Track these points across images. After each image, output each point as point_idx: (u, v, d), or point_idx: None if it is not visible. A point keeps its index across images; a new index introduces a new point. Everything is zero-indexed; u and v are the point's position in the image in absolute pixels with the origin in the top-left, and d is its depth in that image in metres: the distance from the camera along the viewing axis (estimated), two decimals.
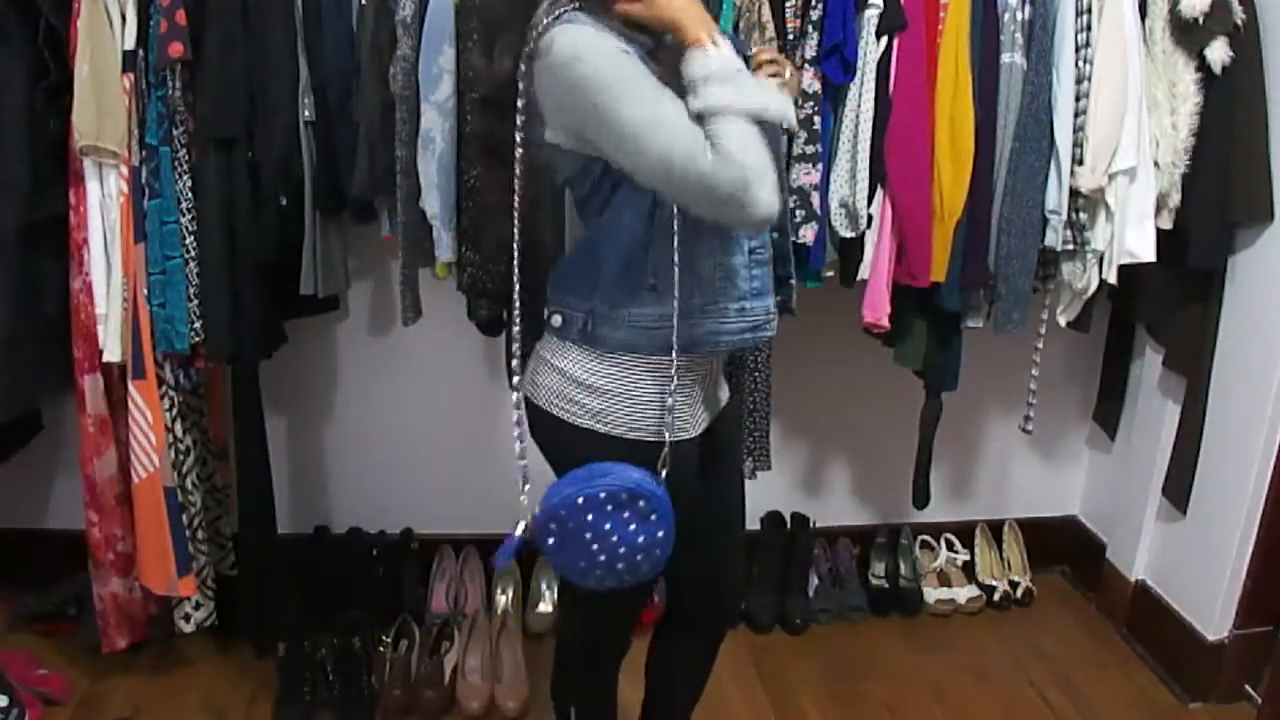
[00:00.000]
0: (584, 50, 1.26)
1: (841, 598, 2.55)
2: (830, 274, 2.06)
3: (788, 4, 1.87)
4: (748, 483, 2.20)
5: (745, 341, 1.45)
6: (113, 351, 1.85)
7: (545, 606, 2.44)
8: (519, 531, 1.36)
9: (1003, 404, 2.58)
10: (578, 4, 1.33)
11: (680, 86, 1.27)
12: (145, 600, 2.08)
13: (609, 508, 1.31)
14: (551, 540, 1.34)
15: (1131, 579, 2.49)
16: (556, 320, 1.43)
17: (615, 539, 1.31)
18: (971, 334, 2.13)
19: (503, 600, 2.43)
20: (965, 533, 2.69)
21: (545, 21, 1.32)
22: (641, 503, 1.31)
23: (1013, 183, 1.97)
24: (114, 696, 2.11)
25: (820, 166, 1.91)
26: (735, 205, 1.21)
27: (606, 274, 1.38)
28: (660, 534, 1.33)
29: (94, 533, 2.01)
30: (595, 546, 1.32)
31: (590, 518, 1.31)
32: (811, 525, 2.59)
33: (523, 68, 1.36)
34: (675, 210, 1.31)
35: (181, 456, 2.00)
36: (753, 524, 2.59)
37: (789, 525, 2.60)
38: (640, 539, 1.32)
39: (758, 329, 1.44)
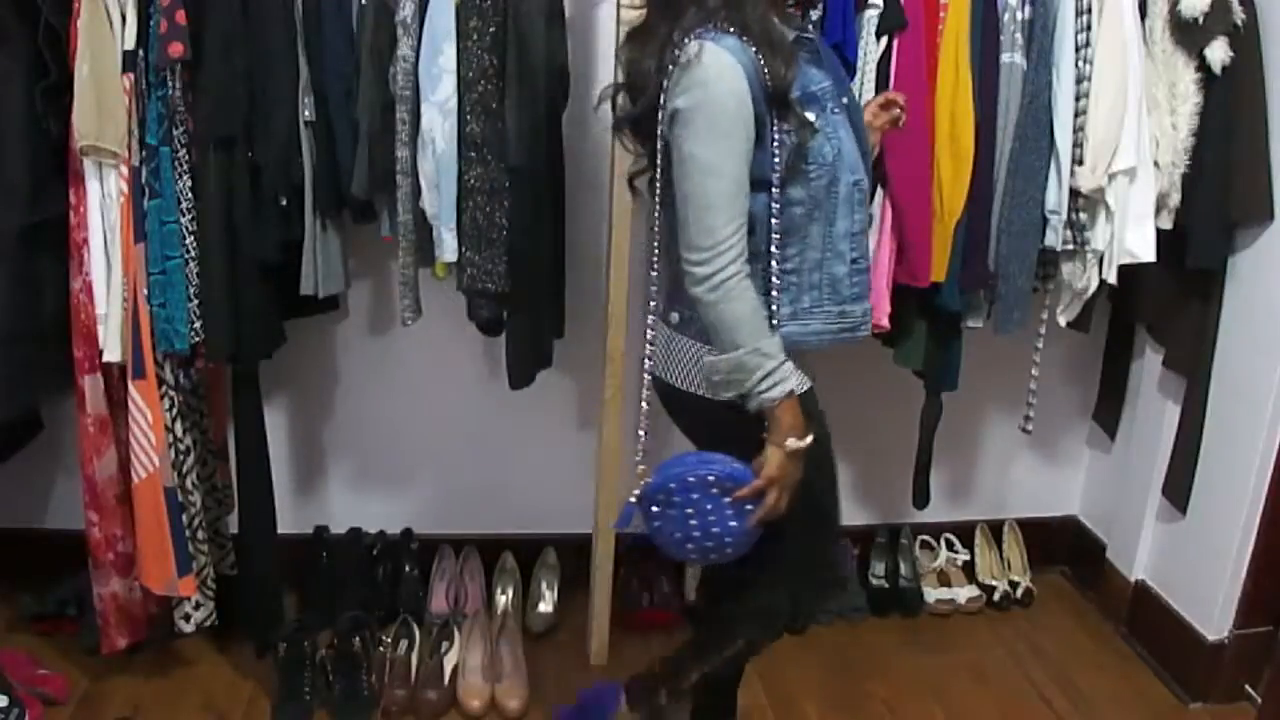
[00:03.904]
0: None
1: (841, 598, 2.55)
2: None
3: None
4: None
5: (843, 340, 1.52)
6: (113, 351, 1.85)
7: (545, 606, 2.44)
8: (631, 499, 1.50)
9: (1003, 404, 2.57)
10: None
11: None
12: (145, 600, 2.08)
13: (713, 491, 1.44)
14: (656, 509, 1.48)
15: (1131, 579, 2.49)
16: (675, 318, 1.52)
17: (712, 519, 1.45)
18: (971, 334, 2.13)
19: (503, 600, 2.43)
20: (965, 533, 2.68)
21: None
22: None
23: (1013, 183, 1.97)
24: (114, 696, 2.11)
25: None
26: (693, 281, 1.38)
27: None
28: (745, 524, 1.45)
29: (94, 533, 2.01)
30: (694, 523, 1.46)
31: (695, 496, 1.44)
32: None
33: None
34: (782, 230, 1.43)
35: (181, 456, 2.00)
36: None
37: None
38: (733, 524, 1.44)
39: (855, 329, 1.53)
